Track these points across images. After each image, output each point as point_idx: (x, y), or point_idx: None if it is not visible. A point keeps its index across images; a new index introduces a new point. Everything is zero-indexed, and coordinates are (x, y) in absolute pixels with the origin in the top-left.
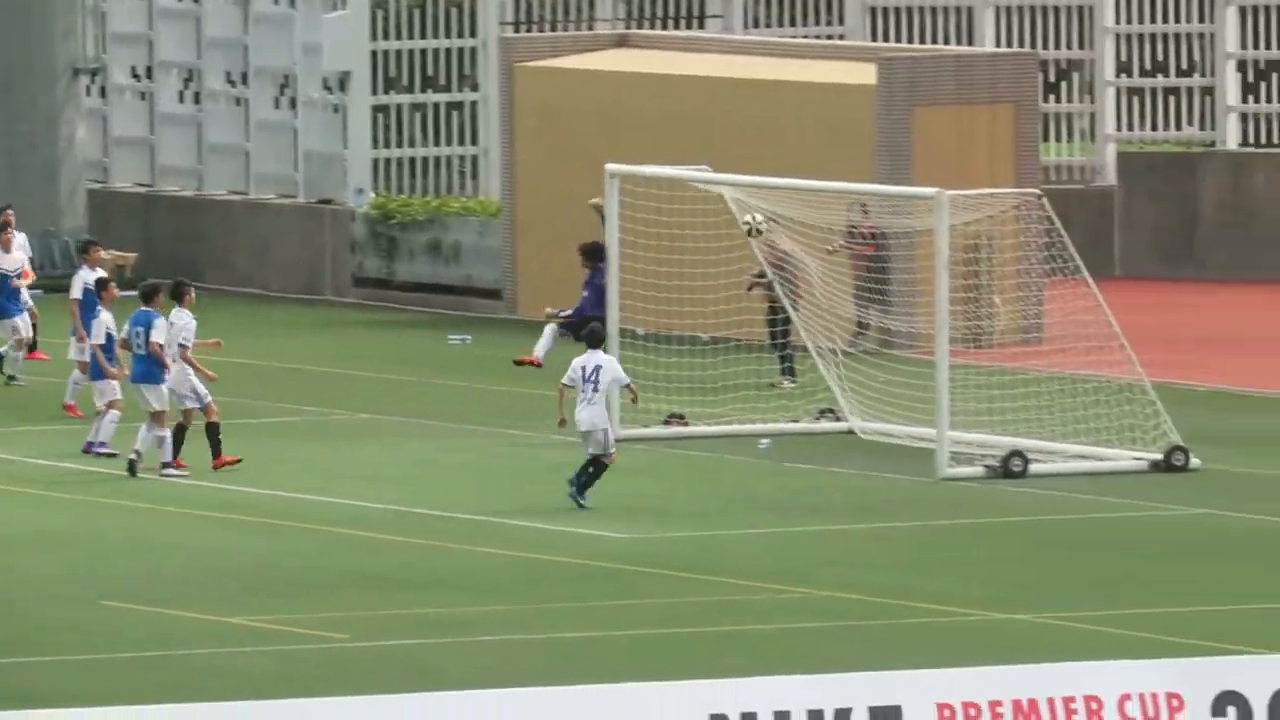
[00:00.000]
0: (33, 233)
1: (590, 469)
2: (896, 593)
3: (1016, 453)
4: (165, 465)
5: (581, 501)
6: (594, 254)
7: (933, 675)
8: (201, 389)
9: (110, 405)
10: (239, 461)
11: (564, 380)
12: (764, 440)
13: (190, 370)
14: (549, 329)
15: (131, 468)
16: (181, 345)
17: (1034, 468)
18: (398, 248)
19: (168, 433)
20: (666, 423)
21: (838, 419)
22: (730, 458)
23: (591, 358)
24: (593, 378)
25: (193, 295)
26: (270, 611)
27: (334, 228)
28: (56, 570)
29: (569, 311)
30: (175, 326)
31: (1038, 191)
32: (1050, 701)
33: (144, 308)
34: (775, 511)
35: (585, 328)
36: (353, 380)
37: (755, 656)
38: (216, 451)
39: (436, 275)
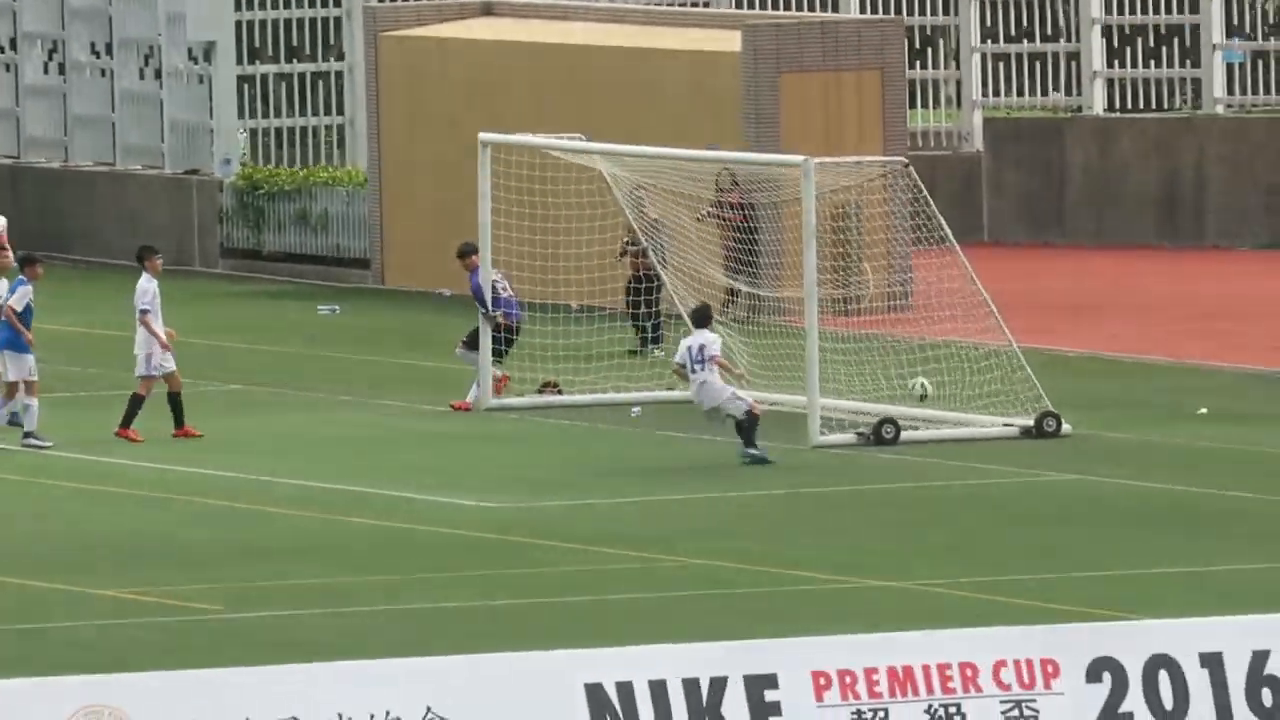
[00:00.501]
0: None
1: (741, 428)
2: (770, 560)
3: (888, 420)
4: (28, 435)
5: (756, 454)
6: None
7: (808, 643)
8: (161, 358)
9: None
10: (141, 442)
11: (675, 361)
12: (635, 408)
13: (151, 335)
14: (463, 358)
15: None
16: (142, 310)
17: (905, 435)
18: (266, 218)
19: (34, 402)
20: (541, 391)
21: None
22: (602, 426)
23: (696, 337)
24: (699, 357)
25: (158, 262)
26: (142, 584)
27: (201, 199)
28: None
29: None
30: (136, 291)
31: (904, 159)
32: (925, 669)
33: (20, 276)
34: (648, 480)
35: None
36: (222, 351)
37: (630, 626)
38: (178, 420)
39: (305, 245)
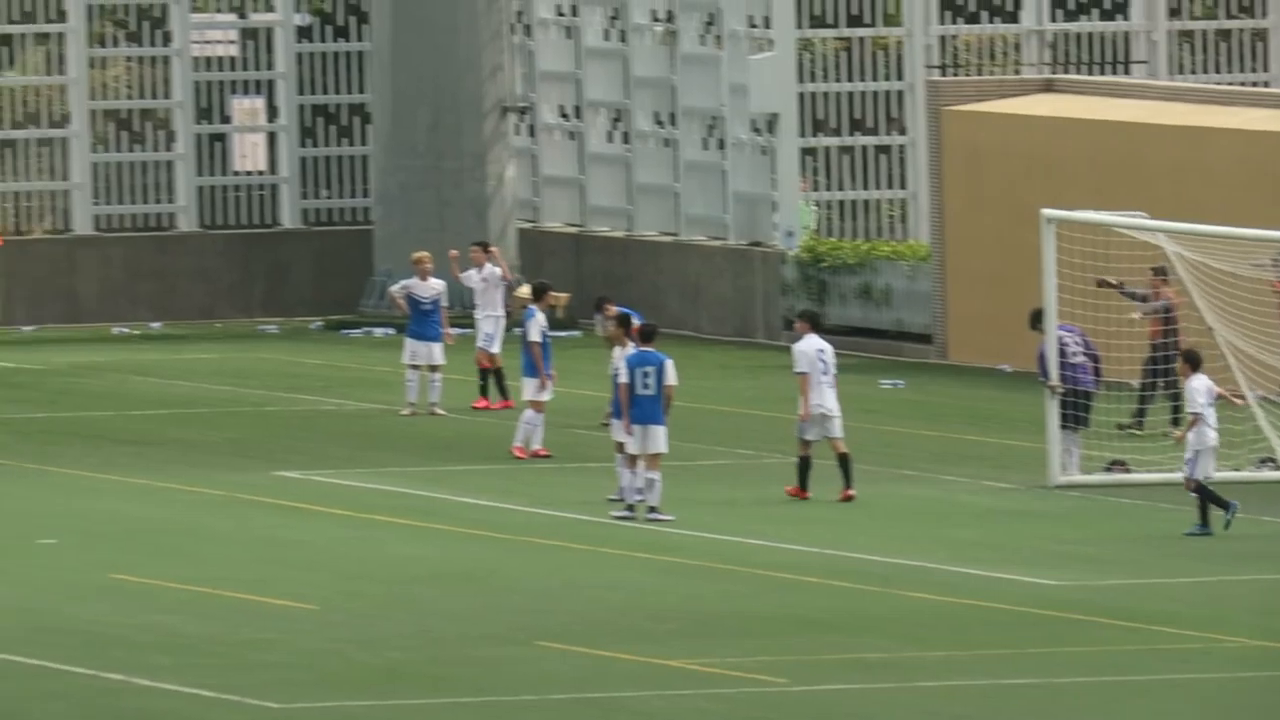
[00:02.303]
0: (462, 270)
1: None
2: None
3: None
4: (653, 510)
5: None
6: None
7: None
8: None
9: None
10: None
11: (1193, 410)
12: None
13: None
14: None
15: (631, 511)
16: (802, 373)
17: None
18: (829, 291)
19: (658, 475)
20: (1109, 469)
21: (1279, 467)
22: (1164, 506)
23: (1203, 378)
24: (1210, 401)
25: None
26: (706, 654)
27: (764, 270)
28: (489, 610)
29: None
30: (827, 352)
31: None
32: None
33: (644, 348)
34: (1210, 559)
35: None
36: (786, 423)
37: (1190, 707)
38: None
39: (867, 319)
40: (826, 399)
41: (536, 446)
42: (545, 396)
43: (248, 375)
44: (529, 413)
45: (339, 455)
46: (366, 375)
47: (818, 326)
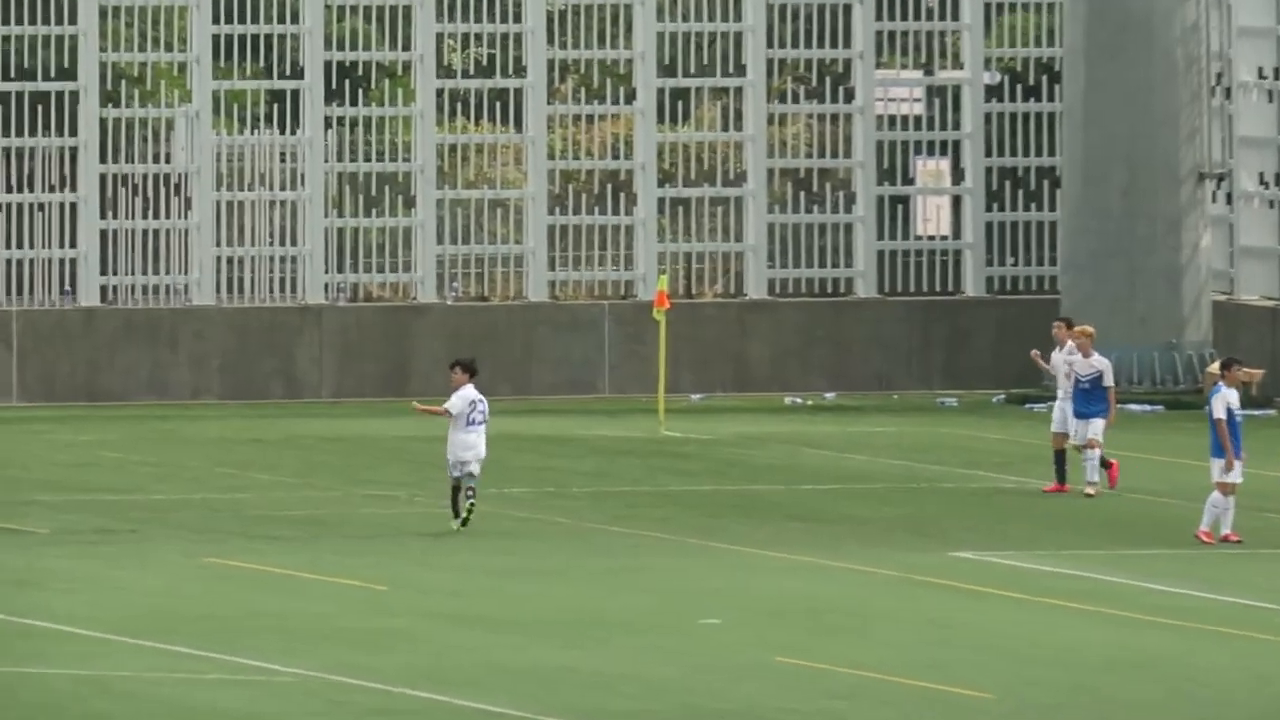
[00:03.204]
0: (1151, 342)
1: None
2: None
3: None
4: None
5: None
6: None
7: None
8: None
9: None
10: None
11: None
12: None
13: None
14: None
15: None
16: None
17: None
18: None
19: None
20: None
21: None
22: None
23: None
24: None
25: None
26: None
27: None
28: (1169, 700)
29: None
30: None
31: None
32: None
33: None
34: None
35: None
36: None
37: None
38: None
39: None
40: None
41: (1226, 531)
42: (1233, 478)
43: (925, 449)
44: (1215, 495)
45: (1017, 535)
46: (1048, 452)
47: None
